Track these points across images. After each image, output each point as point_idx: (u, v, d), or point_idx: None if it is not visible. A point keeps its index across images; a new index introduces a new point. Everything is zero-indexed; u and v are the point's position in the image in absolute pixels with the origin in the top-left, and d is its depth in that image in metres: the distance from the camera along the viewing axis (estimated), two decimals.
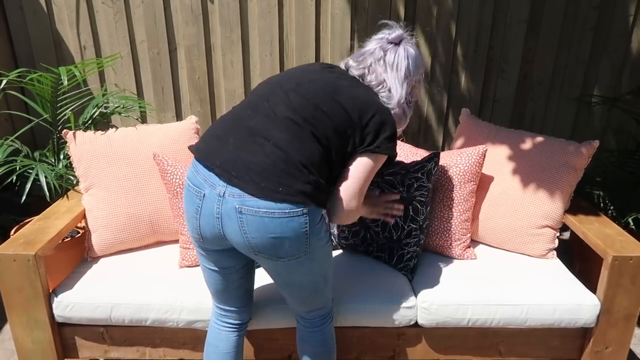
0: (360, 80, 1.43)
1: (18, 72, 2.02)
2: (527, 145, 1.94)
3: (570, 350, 1.74)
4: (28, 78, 2.05)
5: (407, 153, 2.05)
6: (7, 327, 2.17)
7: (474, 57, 2.54)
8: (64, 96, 2.22)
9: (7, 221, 2.48)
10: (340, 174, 1.38)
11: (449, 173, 1.86)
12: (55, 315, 1.65)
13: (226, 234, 1.26)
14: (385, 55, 1.42)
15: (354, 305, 1.64)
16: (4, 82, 2.06)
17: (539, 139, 1.95)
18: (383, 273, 1.78)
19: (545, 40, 2.52)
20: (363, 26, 2.48)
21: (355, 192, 1.36)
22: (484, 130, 2.06)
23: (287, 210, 1.21)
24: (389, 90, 1.41)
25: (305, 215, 1.23)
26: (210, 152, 1.28)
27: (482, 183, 1.94)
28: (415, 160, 1.95)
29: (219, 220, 1.25)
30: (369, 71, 1.44)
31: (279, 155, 1.23)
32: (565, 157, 1.85)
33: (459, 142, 2.14)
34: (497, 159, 1.96)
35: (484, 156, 1.85)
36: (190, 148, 1.35)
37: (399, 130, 1.48)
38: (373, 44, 1.45)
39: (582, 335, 1.72)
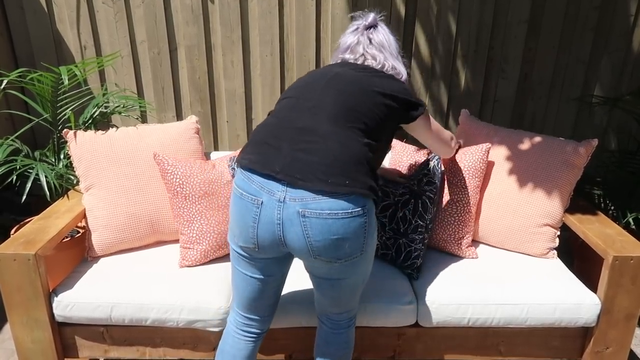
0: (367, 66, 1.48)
1: (18, 72, 2.02)
2: (526, 144, 1.94)
3: (570, 350, 1.73)
4: (28, 78, 2.05)
5: (410, 153, 2.05)
6: (7, 327, 2.17)
7: (474, 57, 2.54)
8: (64, 96, 2.22)
9: (7, 220, 2.48)
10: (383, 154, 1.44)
11: (453, 169, 1.87)
12: (56, 315, 1.65)
13: (287, 240, 1.24)
14: (371, 39, 1.49)
15: None
16: (5, 82, 2.06)
17: (539, 138, 1.95)
18: (383, 273, 1.78)
19: (545, 40, 2.51)
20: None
21: (445, 139, 1.62)
22: (483, 131, 2.06)
23: (349, 210, 1.20)
24: (393, 68, 1.49)
25: (365, 215, 1.23)
26: (265, 161, 1.24)
27: (483, 182, 1.95)
28: (418, 159, 1.97)
29: (279, 226, 1.22)
30: (366, 58, 1.49)
31: (339, 150, 1.23)
32: (564, 156, 1.85)
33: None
34: (497, 158, 1.96)
35: (488, 153, 1.87)
36: (240, 161, 1.30)
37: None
38: (352, 36, 1.51)
39: (582, 335, 1.71)
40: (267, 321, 1.50)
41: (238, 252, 1.34)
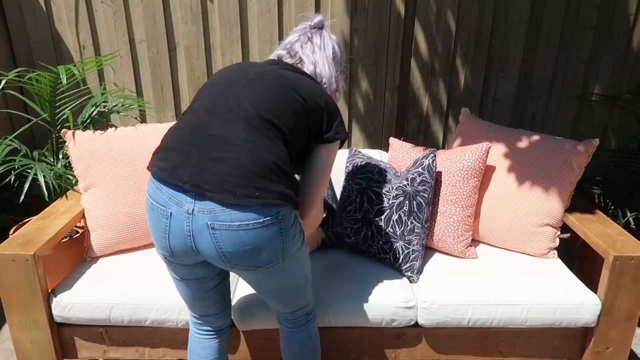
0: (298, 67, 1.44)
1: (17, 72, 2.01)
2: (526, 144, 1.94)
3: (571, 350, 1.73)
4: (27, 77, 2.05)
5: (407, 151, 2.05)
6: (5, 328, 2.16)
7: (474, 56, 2.53)
8: (63, 96, 2.21)
9: (6, 221, 2.47)
10: (298, 170, 1.40)
11: (452, 169, 1.86)
12: (54, 316, 1.64)
13: (199, 250, 1.20)
14: (311, 38, 1.46)
15: (353, 305, 1.63)
16: (3, 82, 2.06)
17: (539, 138, 1.94)
18: (383, 273, 1.77)
19: (545, 39, 2.51)
20: (363, 25, 2.47)
21: (323, 187, 1.41)
22: (483, 130, 2.06)
23: (261, 220, 1.17)
24: (322, 73, 1.45)
25: (279, 222, 1.20)
26: (173, 169, 1.18)
27: (483, 182, 1.94)
28: (413, 157, 1.97)
29: (190, 237, 1.18)
30: (301, 59, 1.46)
31: (250, 160, 1.18)
32: (565, 156, 1.85)
33: (458, 141, 2.14)
34: (497, 158, 1.96)
35: (488, 153, 1.86)
36: (150, 169, 1.25)
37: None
38: (296, 34, 1.48)
39: (582, 335, 1.71)
40: (222, 317, 1.49)
41: (164, 257, 1.31)
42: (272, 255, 1.22)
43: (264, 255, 1.21)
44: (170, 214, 1.19)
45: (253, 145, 1.20)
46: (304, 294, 1.43)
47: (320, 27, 1.48)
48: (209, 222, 1.16)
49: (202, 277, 1.35)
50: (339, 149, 1.48)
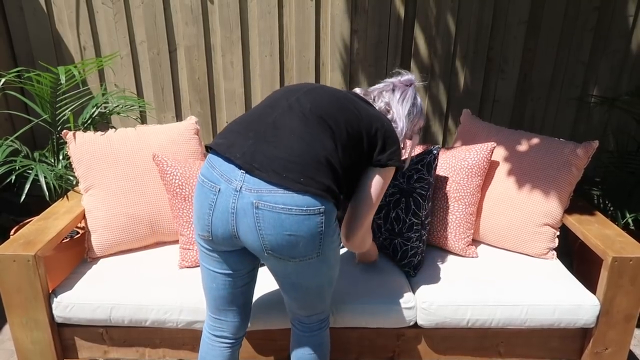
0: (366, 99, 1.49)
1: (16, 72, 2.02)
2: (527, 145, 1.95)
3: (570, 351, 1.74)
4: (26, 77, 2.05)
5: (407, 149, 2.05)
6: (6, 328, 2.17)
7: (474, 58, 2.54)
8: (64, 96, 2.22)
9: (6, 221, 2.47)
10: (349, 191, 1.39)
11: (457, 167, 1.87)
12: (55, 316, 1.65)
13: (239, 232, 1.23)
14: (394, 90, 1.51)
15: (353, 305, 1.64)
16: (2, 81, 2.06)
17: (540, 139, 1.95)
18: (383, 273, 1.78)
19: (545, 40, 2.51)
20: (363, 27, 2.48)
21: (366, 213, 1.38)
22: (484, 131, 2.07)
23: (304, 208, 1.19)
24: (394, 119, 1.48)
25: (321, 215, 1.21)
26: (230, 145, 1.26)
27: (484, 181, 1.95)
28: (414, 154, 1.97)
29: (233, 216, 1.22)
30: (375, 99, 1.51)
31: (303, 147, 1.23)
32: (565, 157, 1.85)
33: (460, 142, 2.14)
34: (498, 158, 1.96)
35: (492, 153, 1.87)
36: (208, 145, 1.33)
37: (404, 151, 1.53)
38: (383, 84, 1.54)
39: (581, 336, 1.72)
40: (239, 326, 1.48)
41: (201, 245, 1.35)
42: (308, 249, 1.23)
43: (301, 246, 1.22)
44: (219, 190, 1.23)
45: (308, 136, 1.25)
46: (324, 298, 1.43)
47: (408, 84, 1.52)
48: (254, 201, 1.19)
49: (233, 270, 1.37)
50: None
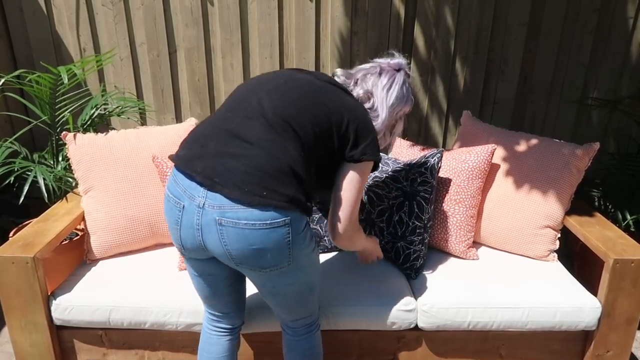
0: (343, 86, 1.39)
1: (16, 73, 2.01)
2: (527, 146, 1.94)
3: (571, 353, 1.73)
4: (27, 79, 2.05)
5: (412, 150, 2.05)
6: (5, 330, 2.16)
7: (474, 59, 2.54)
8: (63, 98, 2.22)
9: (6, 223, 2.47)
10: (327, 185, 1.36)
11: (457, 169, 1.87)
12: (54, 318, 1.64)
13: (207, 245, 1.22)
14: (381, 74, 1.40)
15: (353, 308, 1.63)
16: (1, 82, 2.06)
17: (540, 141, 1.94)
18: (383, 275, 1.77)
19: (545, 42, 2.51)
20: (363, 28, 2.48)
21: (345, 207, 1.32)
22: (485, 132, 2.06)
23: (268, 222, 1.16)
24: (375, 107, 1.39)
25: (287, 226, 1.18)
26: (190, 159, 1.23)
27: (485, 184, 1.94)
28: (416, 156, 1.96)
29: (199, 231, 1.21)
30: (357, 83, 1.41)
31: (263, 158, 1.18)
32: (565, 159, 1.85)
33: (459, 143, 2.14)
34: (499, 160, 1.96)
35: (493, 155, 1.87)
36: (171, 157, 1.30)
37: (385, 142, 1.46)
38: (370, 64, 1.43)
39: (583, 338, 1.71)
40: (235, 317, 1.50)
41: (178, 250, 1.35)
42: (277, 259, 1.21)
43: (269, 257, 1.20)
44: (183, 207, 1.22)
45: (268, 145, 1.20)
46: (307, 303, 1.41)
47: (397, 69, 1.42)
48: (217, 218, 1.17)
49: (213, 273, 1.37)
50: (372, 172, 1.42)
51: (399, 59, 1.44)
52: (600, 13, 2.46)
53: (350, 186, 1.32)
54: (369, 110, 1.39)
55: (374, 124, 1.37)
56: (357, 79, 1.42)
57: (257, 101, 1.27)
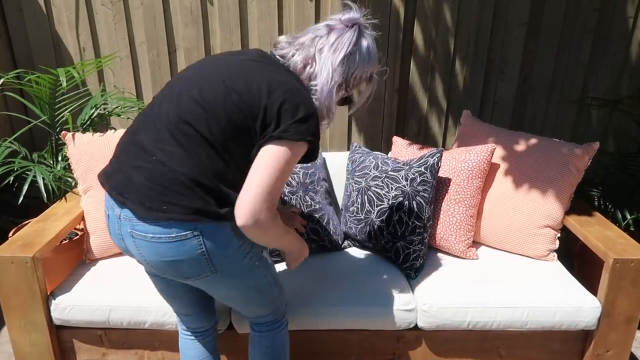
0: (283, 60, 1.25)
1: (15, 73, 2.01)
2: (527, 146, 1.94)
3: (571, 353, 1.73)
4: (26, 79, 2.05)
5: (411, 150, 2.05)
6: (4, 330, 2.16)
7: (473, 59, 2.53)
8: (62, 98, 2.21)
9: (5, 223, 2.47)
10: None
11: (457, 169, 1.86)
12: (53, 318, 1.64)
13: (131, 253, 1.22)
14: (330, 34, 1.23)
15: (353, 307, 1.63)
16: (0, 82, 2.05)
17: (540, 140, 1.94)
18: (383, 275, 1.77)
19: (545, 42, 2.51)
20: None
21: (258, 191, 1.10)
22: (485, 132, 2.06)
23: (173, 235, 1.12)
24: (314, 74, 1.23)
25: (197, 238, 1.13)
26: (107, 175, 1.21)
27: (485, 183, 1.94)
28: (416, 156, 1.96)
29: (122, 241, 1.21)
30: (297, 51, 1.24)
31: (162, 172, 1.12)
32: (565, 158, 1.85)
33: (459, 143, 2.14)
34: (499, 160, 1.96)
35: (492, 154, 1.86)
36: (99, 174, 1.28)
37: (324, 121, 1.28)
38: (322, 24, 1.27)
39: (582, 338, 1.71)
40: (201, 318, 1.47)
41: None
42: (196, 269, 1.17)
43: (187, 268, 1.16)
44: (109, 216, 1.23)
45: (165, 156, 1.13)
46: (259, 304, 1.36)
47: (348, 25, 1.23)
48: (129, 230, 1.16)
49: (156, 275, 1.35)
50: (306, 161, 1.23)
51: (352, 13, 1.24)
52: (600, 12, 2.46)
53: (264, 162, 1.12)
54: (304, 82, 1.23)
55: (312, 97, 1.21)
56: (303, 44, 1.24)
57: (165, 107, 1.19)
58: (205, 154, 1.13)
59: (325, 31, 1.24)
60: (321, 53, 1.22)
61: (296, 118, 1.14)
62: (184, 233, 1.12)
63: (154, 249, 1.15)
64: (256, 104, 1.14)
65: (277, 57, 1.26)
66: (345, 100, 1.35)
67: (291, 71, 1.23)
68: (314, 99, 1.22)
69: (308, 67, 1.24)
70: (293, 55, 1.25)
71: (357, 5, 1.27)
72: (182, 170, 1.12)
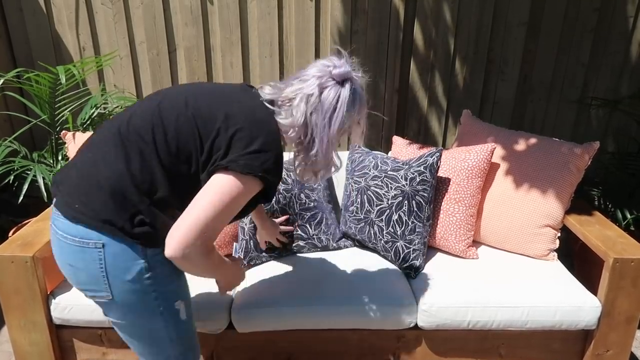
0: (269, 105, 1.16)
1: (16, 72, 2.01)
2: (528, 145, 1.94)
3: (571, 353, 1.73)
4: (25, 77, 2.05)
5: (411, 149, 2.04)
6: (4, 330, 2.16)
7: (474, 59, 2.53)
8: (62, 97, 2.21)
9: (5, 222, 2.46)
10: None
11: (457, 168, 1.86)
12: (53, 317, 1.64)
13: None
14: (321, 93, 1.13)
15: (353, 307, 1.63)
16: (1, 81, 2.05)
17: (540, 140, 1.94)
18: (383, 274, 1.77)
19: (545, 42, 2.51)
20: (363, 27, 2.47)
21: (194, 222, 1.01)
22: (485, 131, 2.06)
23: (77, 238, 1.05)
24: (313, 140, 1.15)
25: (99, 250, 1.05)
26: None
27: (485, 183, 1.94)
28: (416, 155, 1.96)
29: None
30: (286, 103, 1.16)
31: (90, 171, 1.07)
32: (565, 158, 1.85)
33: (459, 142, 2.14)
34: (499, 159, 1.96)
35: (492, 154, 1.86)
36: None
37: (320, 177, 1.20)
38: (313, 71, 1.15)
39: (583, 338, 1.71)
40: None
41: None
42: (93, 285, 1.09)
43: (85, 280, 1.10)
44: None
45: (100, 156, 1.08)
46: (155, 355, 1.20)
47: (340, 82, 1.14)
48: (51, 223, 1.13)
49: None
50: (262, 201, 1.14)
51: (343, 67, 1.13)
52: (600, 12, 2.46)
53: (207, 191, 1.04)
54: (305, 144, 1.15)
55: (310, 160, 1.15)
56: (291, 100, 1.14)
57: (128, 113, 1.14)
58: (141, 164, 1.05)
59: (316, 90, 1.12)
60: (315, 119, 1.13)
61: (249, 149, 1.05)
62: (87, 240, 1.05)
63: (60, 248, 1.10)
64: (210, 125, 1.07)
65: (264, 97, 1.17)
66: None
67: (267, 108, 1.15)
68: (314, 164, 1.17)
69: (293, 133, 1.15)
70: (280, 107, 1.16)
71: (347, 53, 1.19)
72: (107, 174, 1.05)
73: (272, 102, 1.17)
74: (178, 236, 1.01)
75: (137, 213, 1.05)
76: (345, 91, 1.13)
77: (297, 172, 1.24)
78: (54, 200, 1.13)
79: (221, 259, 1.20)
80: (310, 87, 1.13)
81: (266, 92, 1.18)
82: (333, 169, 1.23)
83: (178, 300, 1.17)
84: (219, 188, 1.03)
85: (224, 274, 1.26)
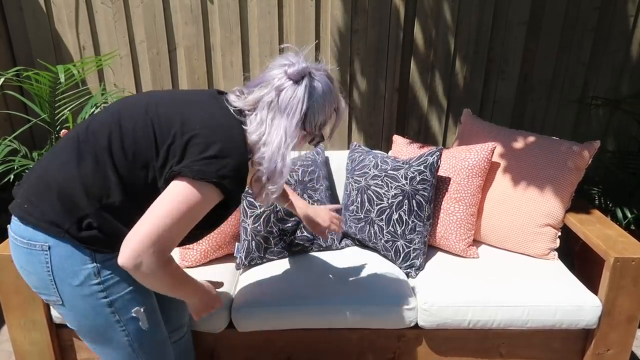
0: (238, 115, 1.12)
1: (15, 71, 2.01)
2: (528, 145, 1.94)
3: (571, 352, 1.73)
4: (24, 75, 2.04)
5: (411, 148, 2.04)
6: (4, 329, 2.15)
7: (474, 58, 2.53)
8: (62, 96, 2.21)
9: (5, 222, 2.46)
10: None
11: (457, 167, 1.86)
12: (53, 317, 1.64)
13: None
14: (278, 96, 1.10)
15: (353, 306, 1.63)
16: (1, 80, 2.05)
17: (541, 139, 1.94)
18: (383, 274, 1.77)
19: (545, 41, 2.51)
20: (363, 27, 2.47)
21: (147, 235, 0.96)
22: (485, 130, 2.06)
23: (25, 240, 1.04)
24: (265, 140, 1.10)
25: (45, 253, 1.03)
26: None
27: (485, 182, 1.94)
28: (417, 154, 1.96)
29: None
30: (252, 110, 1.13)
31: (42, 172, 1.06)
32: (566, 157, 1.85)
33: (460, 141, 2.13)
34: (499, 159, 1.96)
35: (493, 153, 1.86)
36: None
37: (274, 186, 1.12)
38: (272, 74, 1.13)
39: (583, 337, 1.71)
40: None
41: None
42: (44, 289, 1.08)
43: (37, 284, 1.08)
44: None
45: (54, 157, 1.06)
46: None
47: (297, 80, 1.09)
48: (8, 225, 1.11)
49: None
50: (223, 210, 1.08)
51: (298, 65, 1.10)
52: (601, 11, 2.46)
53: (163, 198, 1.00)
54: (250, 145, 1.10)
55: (259, 162, 1.10)
56: (254, 108, 1.13)
57: (90, 118, 1.13)
58: (94, 168, 1.03)
59: (274, 94, 1.09)
60: (273, 120, 1.09)
61: (204, 155, 1.00)
62: (34, 242, 1.03)
63: (13, 250, 1.08)
64: (166, 131, 1.03)
65: (231, 106, 1.13)
66: (313, 139, 1.20)
67: (234, 115, 1.11)
68: (262, 165, 1.10)
69: (259, 141, 1.11)
70: (246, 117, 1.12)
71: (297, 48, 1.16)
72: (58, 176, 1.03)
73: (240, 112, 1.13)
74: (129, 244, 0.97)
75: (85, 217, 1.02)
76: (301, 89, 1.09)
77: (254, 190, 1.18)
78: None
79: (186, 277, 1.13)
80: (269, 94, 1.10)
81: (232, 100, 1.14)
82: (275, 187, 1.13)
83: (136, 308, 1.11)
84: (174, 196, 0.99)
85: (190, 295, 1.17)
